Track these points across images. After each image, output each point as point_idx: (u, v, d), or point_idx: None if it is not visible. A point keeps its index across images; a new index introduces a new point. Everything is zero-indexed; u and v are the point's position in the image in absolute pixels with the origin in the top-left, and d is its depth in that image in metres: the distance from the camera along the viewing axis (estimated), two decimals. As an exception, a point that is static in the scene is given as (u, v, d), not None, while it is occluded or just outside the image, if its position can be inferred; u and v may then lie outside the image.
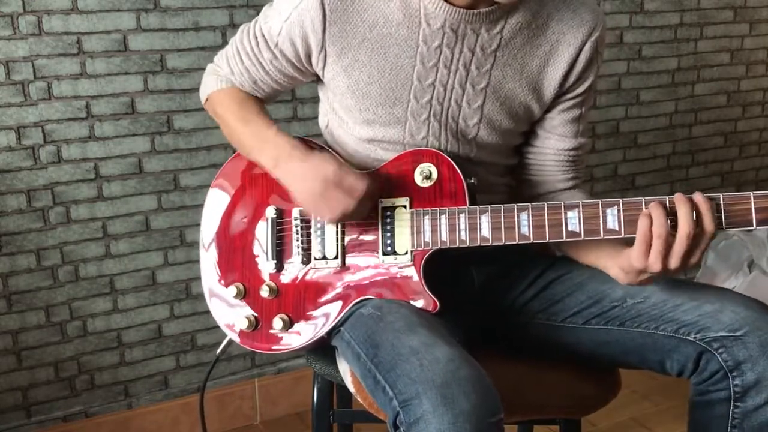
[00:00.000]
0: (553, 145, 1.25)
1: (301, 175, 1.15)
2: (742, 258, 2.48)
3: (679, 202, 1.02)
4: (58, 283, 1.82)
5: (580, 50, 1.18)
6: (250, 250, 1.26)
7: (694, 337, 1.10)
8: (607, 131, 2.43)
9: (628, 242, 1.06)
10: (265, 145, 1.20)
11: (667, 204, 1.03)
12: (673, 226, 1.02)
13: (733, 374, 1.07)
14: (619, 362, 1.22)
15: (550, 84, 1.20)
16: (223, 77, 1.29)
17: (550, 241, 1.10)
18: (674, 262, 1.02)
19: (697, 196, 1.02)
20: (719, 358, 1.07)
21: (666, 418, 2.09)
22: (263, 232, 1.26)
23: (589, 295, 1.21)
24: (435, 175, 1.17)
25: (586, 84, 1.22)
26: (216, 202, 1.30)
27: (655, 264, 1.02)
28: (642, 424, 2.07)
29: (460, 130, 1.20)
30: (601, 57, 1.22)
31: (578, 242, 1.20)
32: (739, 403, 1.07)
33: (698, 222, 1.01)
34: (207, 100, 1.33)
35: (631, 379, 1.68)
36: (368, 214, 1.17)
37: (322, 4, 1.12)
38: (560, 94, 1.22)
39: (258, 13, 1.24)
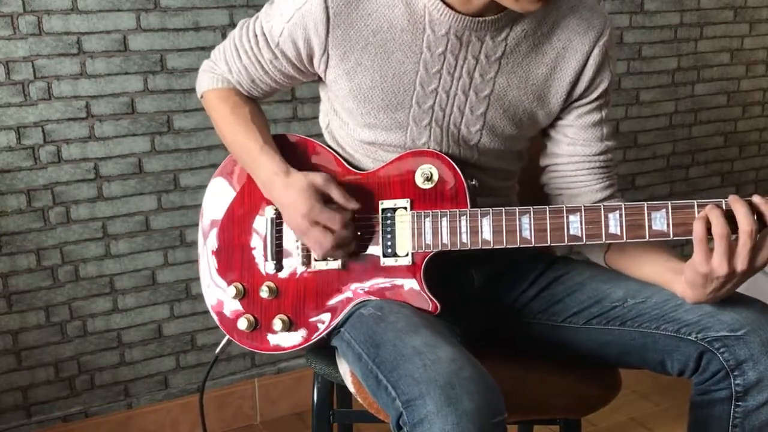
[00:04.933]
0: (580, 152, 1.23)
1: (284, 206, 1.18)
2: (741, 258, 2.48)
3: (735, 203, 1.00)
4: (58, 283, 1.82)
5: (589, 56, 1.17)
6: (250, 250, 1.26)
7: (695, 337, 1.09)
8: (607, 131, 2.43)
9: (689, 256, 1.04)
10: (252, 164, 1.22)
11: (723, 206, 1.01)
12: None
13: (735, 374, 1.06)
14: (619, 362, 1.22)
15: (557, 91, 1.19)
16: (219, 75, 1.28)
17: (554, 245, 1.10)
18: (741, 263, 1.00)
19: (756, 198, 1.01)
20: (720, 358, 1.07)
21: (666, 418, 2.09)
22: (263, 231, 1.26)
23: (590, 295, 1.21)
24: (436, 177, 1.16)
25: (601, 88, 1.20)
26: (217, 194, 1.30)
27: (720, 266, 1.00)
28: (642, 424, 2.07)
29: (462, 137, 1.20)
30: (613, 60, 1.20)
31: (633, 257, 1.19)
32: (740, 403, 1.07)
33: (763, 222, 1.00)
34: (202, 97, 1.33)
35: (631, 379, 1.68)
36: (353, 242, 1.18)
37: (326, 7, 1.11)
38: (573, 100, 1.20)
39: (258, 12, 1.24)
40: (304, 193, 1.14)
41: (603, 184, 1.24)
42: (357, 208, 1.17)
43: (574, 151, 1.23)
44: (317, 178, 1.16)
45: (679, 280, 1.08)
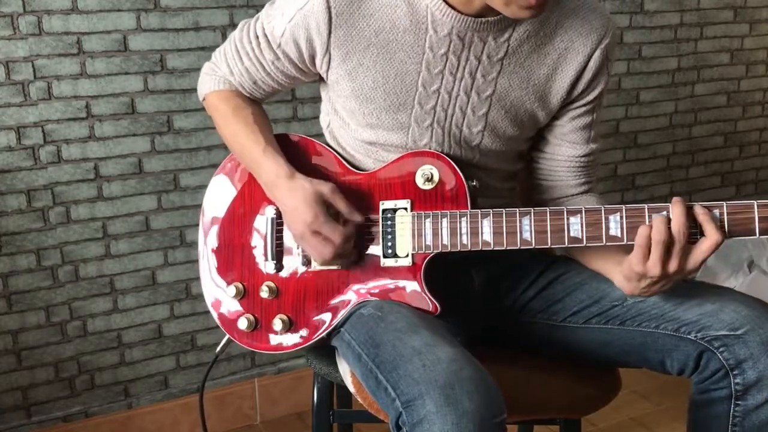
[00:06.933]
0: (565, 152, 1.25)
1: (287, 210, 1.18)
2: (742, 258, 2.48)
3: (674, 205, 1.03)
4: (58, 283, 1.82)
5: (590, 58, 1.17)
6: (250, 250, 1.26)
7: (695, 336, 1.10)
8: (607, 131, 2.43)
9: (631, 250, 1.06)
10: (255, 167, 1.22)
11: (670, 216, 1.04)
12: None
13: (734, 373, 1.07)
14: (619, 361, 1.22)
15: (558, 92, 1.19)
16: (220, 77, 1.28)
17: (553, 246, 1.10)
18: (673, 264, 1.03)
19: (697, 208, 1.03)
20: (720, 357, 1.08)
21: (666, 418, 2.09)
22: (263, 231, 1.25)
23: (589, 294, 1.21)
24: (436, 178, 1.16)
25: (597, 91, 1.21)
26: (217, 194, 1.30)
27: (654, 267, 1.03)
28: (642, 424, 2.07)
29: (464, 137, 1.20)
30: (612, 64, 1.21)
31: (583, 248, 1.20)
32: (740, 402, 1.07)
33: (702, 232, 1.03)
34: (204, 99, 1.32)
35: (631, 379, 1.68)
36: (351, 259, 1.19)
37: (329, 7, 1.11)
38: (569, 101, 1.21)
39: (258, 13, 1.24)
40: (309, 201, 1.14)
41: (579, 181, 1.26)
42: (360, 222, 1.17)
43: (559, 151, 1.25)
44: (324, 187, 1.15)
45: (619, 273, 1.10)
